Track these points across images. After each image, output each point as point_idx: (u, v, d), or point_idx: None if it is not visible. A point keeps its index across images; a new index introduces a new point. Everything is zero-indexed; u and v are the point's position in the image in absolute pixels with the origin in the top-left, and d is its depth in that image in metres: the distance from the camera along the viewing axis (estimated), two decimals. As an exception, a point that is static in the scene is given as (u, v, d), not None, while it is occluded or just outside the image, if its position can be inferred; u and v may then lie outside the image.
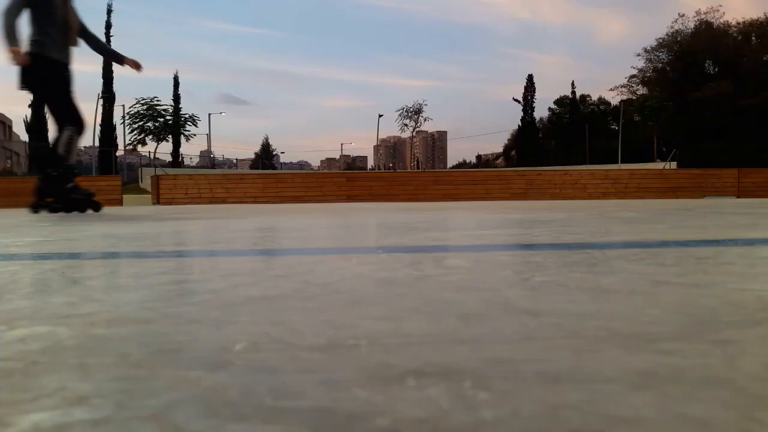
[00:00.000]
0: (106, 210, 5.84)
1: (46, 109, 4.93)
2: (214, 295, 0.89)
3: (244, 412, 0.41)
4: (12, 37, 4.58)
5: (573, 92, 67.25)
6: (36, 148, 5.27)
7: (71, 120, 4.90)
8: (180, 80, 52.09)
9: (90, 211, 5.08)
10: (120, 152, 43.33)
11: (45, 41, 4.75)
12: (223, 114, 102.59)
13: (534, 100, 66.92)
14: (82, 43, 5.11)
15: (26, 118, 42.13)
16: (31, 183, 5.28)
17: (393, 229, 2.55)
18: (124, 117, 34.51)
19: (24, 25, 4.72)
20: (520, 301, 0.81)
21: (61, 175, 4.95)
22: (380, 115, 50.02)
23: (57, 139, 4.87)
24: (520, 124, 67.03)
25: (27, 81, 4.73)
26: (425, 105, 52.66)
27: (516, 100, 66.97)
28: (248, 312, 0.76)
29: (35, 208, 4.93)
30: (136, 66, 5.48)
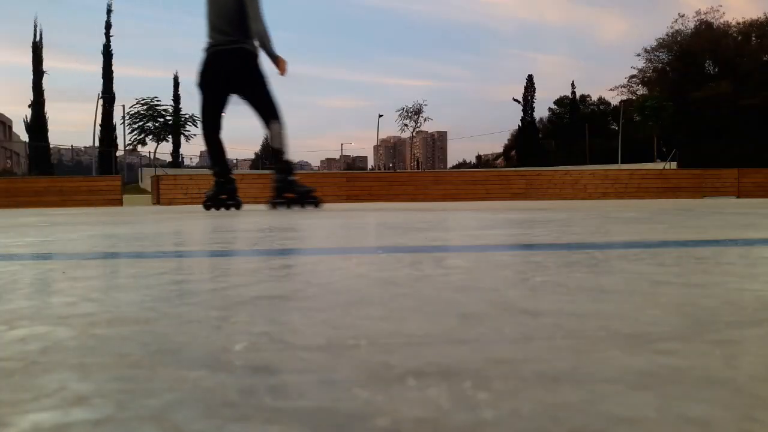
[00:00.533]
0: (103, 210, 5.85)
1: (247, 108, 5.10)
2: (214, 295, 0.89)
3: (244, 412, 0.41)
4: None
5: (573, 92, 67.28)
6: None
7: (276, 113, 5.07)
8: (180, 80, 52.13)
9: (310, 207, 5.17)
10: (120, 152, 43.34)
11: (253, 38, 5.02)
12: (223, 114, 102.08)
13: (534, 100, 66.96)
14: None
15: (26, 118, 42.11)
16: (31, 183, 5.31)
17: (393, 229, 2.55)
18: (124, 117, 34.48)
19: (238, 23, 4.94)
20: (520, 301, 0.81)
21: (283, 168, 5.16)
22: (380, 115, 50.04)
23: (271, 136, 5.09)
24: (520, 124, 67.05)
25: (247, 80, 4.93)
26: (425, 105, 52.66)
27: (516, 100, 67.00)
28: (248, 312, 0.76)
29: (273, 205, 5.23)
30: (282, 67, 5.48)
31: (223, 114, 5.33)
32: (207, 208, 5.44)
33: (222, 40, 5.03)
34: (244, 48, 5.05)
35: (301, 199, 5.25)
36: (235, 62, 5.05)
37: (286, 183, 5.21)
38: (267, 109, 5.14)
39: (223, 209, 5.39)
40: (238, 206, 5.57)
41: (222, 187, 5.48)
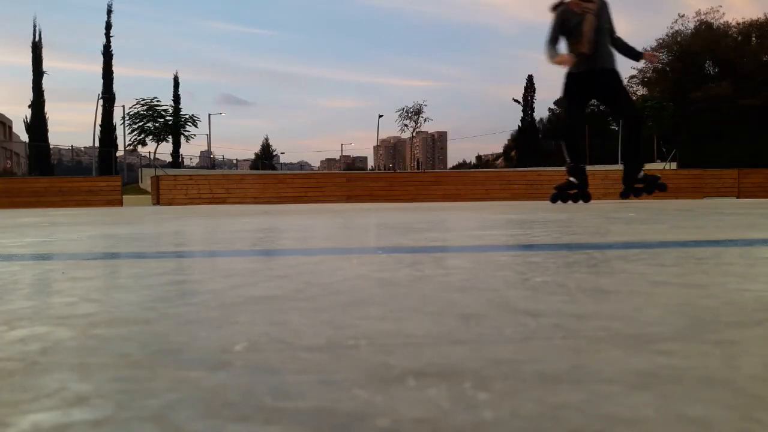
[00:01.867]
0: (102, 210, 5.85)
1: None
2: (214, 295, 0.89)
3: (244, 412, 0.41)
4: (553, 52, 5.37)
5: (573, 92, 67.14)
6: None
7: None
8: (180, 80, 52.11)
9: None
10: (120, 153, 43.33)
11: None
12: (223, 114, 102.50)
13: (534, 101, 66.93)
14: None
15: (26, 118, 42.10)
16: (31, 183, 5.28)
17: (393, 229, 2.55)
18: (124, 117, 34.45)
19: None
20: (520, 302, 0.81)
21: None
22: (380, 116, 50.00)
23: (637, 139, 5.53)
24: (520, 124, 67.04)
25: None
26: (425, 105, 52.56)
27: (516, 101, 66.97)
28: (248, 312, 0.76)
29: (625, 194, 5.76)
30: (653, 58, 5.93)
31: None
32: (554, 200, 5.83)
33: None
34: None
35: (650, 186, 5.65)
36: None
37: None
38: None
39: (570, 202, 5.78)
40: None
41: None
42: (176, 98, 50.05)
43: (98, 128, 39.62)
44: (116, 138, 43.92)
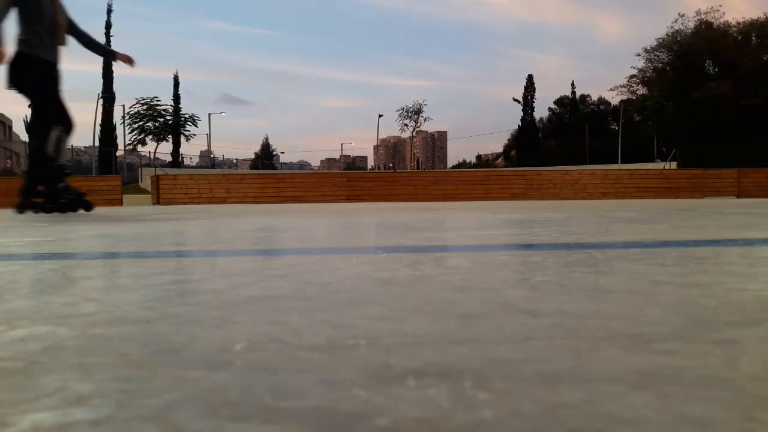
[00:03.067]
0: (102, 210, 5.83)
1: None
2: (214, 295, 0.89)
3: (244, 412, 0.41)
4: None
5: (573, 92, 67.28)
6: (28, 147, 5.21)
7: (59, 119, 4.87)
8: (180, 80, 52.10)
9: (81, 211, 5.02)
10: (120, 152, 43.32)
11: (33, 40, 4.74)
12: (223, 114, 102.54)
13: (534, 100, 66.94)
14: (72, 41, 5.09)
15: (26, 118, 42.11)
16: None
17: (393, 229, 2.55)
18: (124, 117, 34.46)
19: (11, 24, 4.72)
20: (519, 301, 0.81)
21: (51, 175, 4.90)
22: (380, 115, 50.01)
23: (45, 140, 4.82)
24: (520, 124, 67.04)
25: (15, 80, 4.72)
26: (425, 105, 52.53)
27: (516, 100, 66.99)
28: (248, 312, 0.76)
29: (21, 208, 4.88)
30: (129, 61, 5.44)
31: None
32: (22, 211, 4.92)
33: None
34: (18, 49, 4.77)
35: (73, 203, 5.01)
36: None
37: (40, 186, 4.90)
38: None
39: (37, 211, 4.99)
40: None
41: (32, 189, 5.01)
42: (176, 98, 50.06)
43: (98, 128, 39.62)
44: (116, 137, 43.92)
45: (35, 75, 4.76)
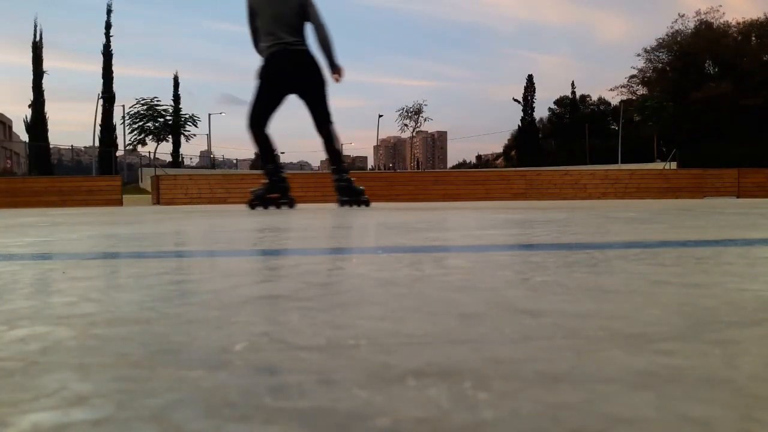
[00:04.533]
0: (102, 210, 5.84)
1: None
2: (214, 295, 0.89)
3: (244, 412, 0.41)
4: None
5: (573, 92, 67.32)
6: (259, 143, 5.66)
7: (331, 117, 5.46)
8: (180, 80, 52.18)
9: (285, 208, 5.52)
10: (120, 152, 43.35)
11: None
12: (223, 114, 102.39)
13: (534, 100, 66.97)
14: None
15: (26, 118, 42.10)
16: (31, 183, 5.28)
17: (393, 229, 2.55)
18: (124, 117, 34.47)
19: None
20: (520, 301, 0.81)
21: (344, 169, 5.82)
22: (380, 115, 50.06)
23: (333, 138, 5.53)
24: (520, 124, 67.06)
25: (311, 82, 5.26)
26: (425, 105, 52.56)
27: (516, 100, 67.00)
28: (248, 312, 0.76)
29: (342, 203, 5.67)
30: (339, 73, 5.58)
31: (273, 113, 5.39)
32: (253, 207, 5.39)
33: (289, 40, 5.20)
34: (308, 51, 5.29)
35: (356, 199, 5.63)
36: (301, 62, 5.24)
37: (348, 182, 5.64)
38: (326, 112, 5.38)
39: (272, 207, 5.41)
40: (291, 204, 5.67)
41: (274, 186, 5.56)
42: (176, 98, 50.09)
43: (98, 128, 39.64)
44: (116, 138, 43.95)
45: (323, 75, 5.33)
